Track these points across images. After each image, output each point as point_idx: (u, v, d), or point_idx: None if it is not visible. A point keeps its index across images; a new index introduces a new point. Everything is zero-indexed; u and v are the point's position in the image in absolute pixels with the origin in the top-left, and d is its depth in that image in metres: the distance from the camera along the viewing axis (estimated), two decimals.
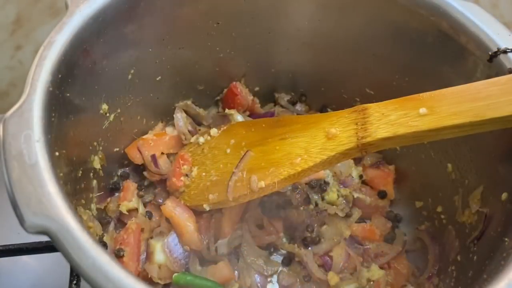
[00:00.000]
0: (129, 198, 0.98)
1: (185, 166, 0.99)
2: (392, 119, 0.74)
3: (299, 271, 1.00)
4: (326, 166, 0.83)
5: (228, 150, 0.95)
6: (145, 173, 1.02)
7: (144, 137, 1.04)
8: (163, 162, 1.02)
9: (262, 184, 0.85)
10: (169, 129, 1.07)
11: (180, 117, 1.05)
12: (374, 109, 0.77)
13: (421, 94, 0.74)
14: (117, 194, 1.00)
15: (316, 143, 0.83)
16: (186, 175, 0.98)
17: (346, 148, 0.78)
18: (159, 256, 0.93)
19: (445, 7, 0.85)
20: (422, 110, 0.71)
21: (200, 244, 0.95)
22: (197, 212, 0.96)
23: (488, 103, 0.68)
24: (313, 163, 0.81)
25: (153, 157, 1.00)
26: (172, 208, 0.95)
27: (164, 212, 0.95)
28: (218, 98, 1.11)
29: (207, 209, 0.93)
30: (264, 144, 0.90)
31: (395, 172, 1.08)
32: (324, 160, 0.80)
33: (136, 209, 0.98)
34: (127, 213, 0.97)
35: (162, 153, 1.03)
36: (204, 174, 0.96)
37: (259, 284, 0.97)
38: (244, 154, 0.90)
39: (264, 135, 0.92)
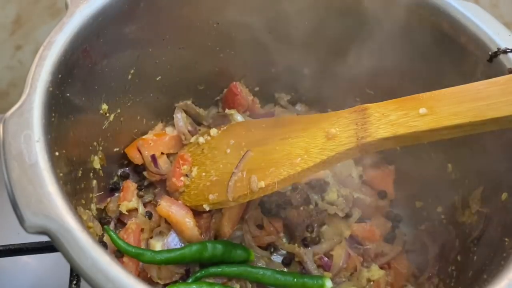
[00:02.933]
0: (129, 198, 0.98)
1: (185, 166, 0.99)
2: (392, 119, 0.74)
3: (298, 271, 0.99)
4: (326, 166, 0.83)
5: (228, 150, 0.95)
6: (145, 173, 1.02)
7: (144, 137, 1.04)
8: (163, 162, 1.02)
9: (262, 184, 0.85)
10: (169, 129, 1.07)
11: (180, 117, 1.05)
12: (374, 109, 0.77)
13: (421, 94, 0.74)
14: (117, 194, 1.00)
15: (316, 143, 0.83)
16: (186, 175, 0.98)
17: (346, 148, 0.78)
18: None
19: (445, 7, 0.85)
20: (422, 110, 0.71)
21: (203, 239, 0.95)
22: (196, 212, 0.96)
23: (488, 103, 0.68)
24: (313, 163, 0.81)
25: (153, 157, 1.00)
26: (168, 207, 0.94)
27: (160, 212, 0.94)
28: (218, 98, 1.11)
29: (207, 209, 0.93)
30: (264, 144, 0.90)
31: (395, 172, 1.08)
32: (324, 160, 0.80)
33: (136, 209, 0.98)
34: (127, 213, 0.97)
35: (162, 153, 1.03)
36: (204, 174, 0.96)
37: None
38: (244, 154, 0.90)
39: (264, 135, 0.92)
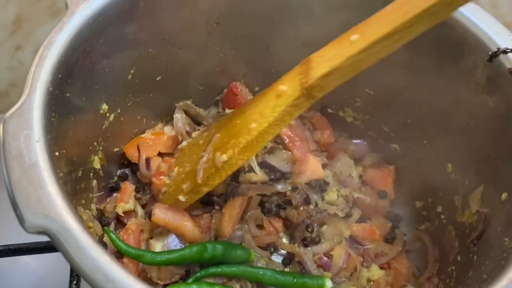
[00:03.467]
0: (126, 200, 0.97)
1: (163, 164, 0.98)
2: (329, 56, 0.74)
3: (298, 270, 1.00)
4: (282, 124, 0.82)
5: (201, 141, 0.95)
6: (138, 173, 1.02)
7: (142, 136, 1.04)
8: (158, 164, 1.02)
9: (224, 157, 0.84)
10: (167, 129, 1.07)
11: (179, 118, 1.05)
12: (315, 55, 0.77)
13: (355, 26, 0.74)
14: (115, 194, 0.99)
15: (268, 104, 0.82)
16: (169, 175, 0.98)
17: (293, 98, 0.78)
18: None
19: None
20: (354, 37, 0.72)
21: (204, 237, 0.94)
22: (195, 214, 0.96)
23: (408, 6, 0.68)
24: (267, 124, 0.81)
25: (147, 160, 1.00)
26: (163, 214, 0.92)
27: (156, 222, 0.92)
28: (218, 98, 1.11)
29: (183, 200, 0.91)
30: (229, 124, 0.91)
31: (395, 172, 1.08)
32: (276, 118, 0.80)
33: (133, 210, 0.98)
34: (123, 215, 0.96)
35: (160, 153, 1.03)
36: (181, 169, 0.96)
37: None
38: (212, 138, 0.90)
39: (232, 117, 0.92)
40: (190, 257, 0.88)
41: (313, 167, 1.02)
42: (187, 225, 0.93)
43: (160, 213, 0.92)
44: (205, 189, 0.89)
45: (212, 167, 0.87)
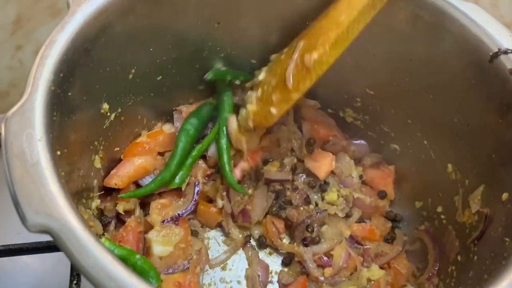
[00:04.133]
0: (127, 199, 0.97)
1: None
2: None
3: (298, 270, 1.00)
4: (372, 11, 0.82)
5: (283, 56, 0.94)
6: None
7: (137, 140, 1.03)
8: (158, 164, 1.02)
9: (315, 55, 0.83)
10: (166, 127, 1.06)
11: (178, 118, 1.05)
12: None
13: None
14: (115, 193, 0.99)
15: None
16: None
17: None
18: (156, 249, 0.93)
19: (445, 7, 0.85)
20: None
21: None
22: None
23: None
24: (357, 11, 0.80)
25: None
26: (115, 179, 0.96)
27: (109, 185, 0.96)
28: None
29: (274, 112, 0.91)
30: (312, 29, 0.89)
31: (395, 172, 1.08)
32: (366, 3, 0.80)
33: (133, 209, 0.98)
34: (123, 213, 0.96)
35: (158, 153, 1.03)
36: (265, 87, 0.95)
37: (261, 283, 0.97)
38: (296, 45, 0.88)
39: (313, 25, 0.91)
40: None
41: (327, 163, 1.03)
42: (141, 161, 0.97)
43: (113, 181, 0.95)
44: (296, 96, 0.88)
45: (302, 70, 0.85)
